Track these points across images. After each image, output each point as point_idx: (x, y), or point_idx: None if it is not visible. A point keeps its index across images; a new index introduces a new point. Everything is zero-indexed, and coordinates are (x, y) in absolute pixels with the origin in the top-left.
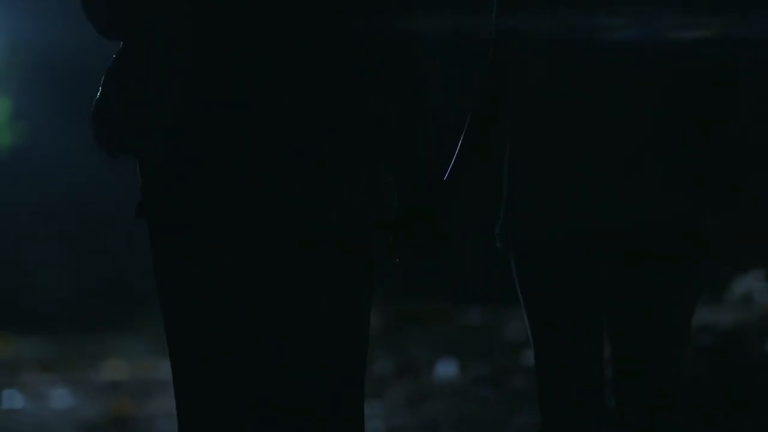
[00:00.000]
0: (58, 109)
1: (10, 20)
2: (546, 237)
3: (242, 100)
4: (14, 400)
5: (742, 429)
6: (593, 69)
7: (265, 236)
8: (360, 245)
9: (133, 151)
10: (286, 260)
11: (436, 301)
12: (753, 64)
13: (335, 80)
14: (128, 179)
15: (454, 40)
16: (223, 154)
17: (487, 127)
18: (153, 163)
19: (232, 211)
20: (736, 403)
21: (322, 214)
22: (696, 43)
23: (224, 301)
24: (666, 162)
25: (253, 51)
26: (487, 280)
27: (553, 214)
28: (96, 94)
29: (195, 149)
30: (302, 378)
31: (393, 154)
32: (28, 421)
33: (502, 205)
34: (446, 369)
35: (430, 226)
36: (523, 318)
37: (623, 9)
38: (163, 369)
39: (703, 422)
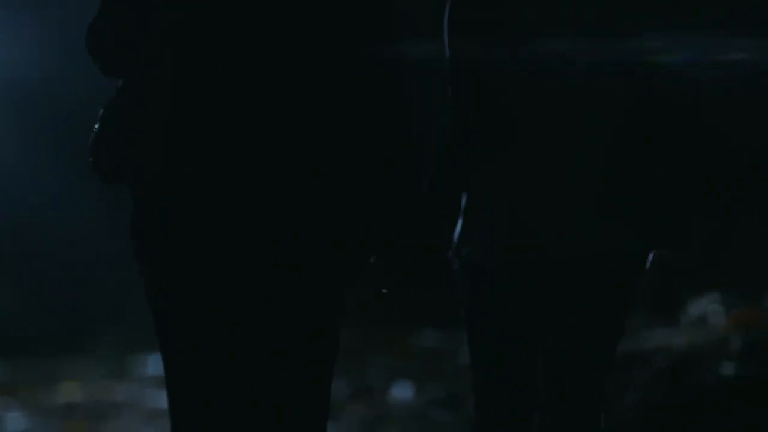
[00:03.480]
0: (18, 131)
1: None
2: (489, 261)
3: (236, 132)
4: None
5: None
6: (544, 97)
7: (255, 258)
8: (339, 268)
9: (130, 178)
10: (271, 277)
11: (391, 324)
12: (712, 94)
13: (324, 110)
14: (87, 203)
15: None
16: (217, 181)
17: (460, 175)
18: (151, 189)
19: (224, 234)
20: (690, 425)
21: (310, 238)
22: (650, 70)
23: (214, 313)
24: (614, 195)
25: (250, 89)
26: (442, 303)
27: (499, 240)
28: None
29: (191, 177)
30: (274, 384)
31: (383, 186)
32: None
33: (457, 229)
34: (402, 392)
35: (424, 254)
36: None
37: (578, 33)
38: (118, 391)
39: None
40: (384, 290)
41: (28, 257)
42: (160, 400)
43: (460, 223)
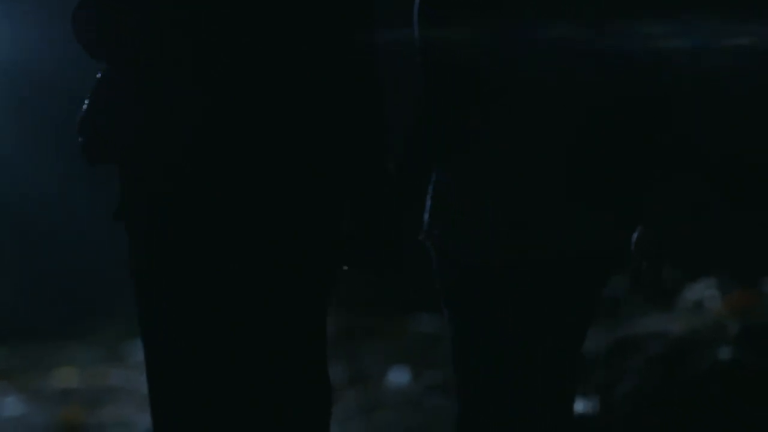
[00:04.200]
0: (13, 121)
1: None
2: (465, 257)
3: (223, 115)
4: None
5: None
6: (518, 85)
7: (241, 243)
8: (323, 258)
9: (117, 159)
10: (258, 267)
11: (388, 309)
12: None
13: (305, 99)
14: (85, 191)
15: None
16: (203, 162)
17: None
18: (138, 170)
19: (210, 216)
20: (687, 411)
21: (294, 225)
22: (624, 61)
23: (200, 303)
24: (583, 194)
25: (227, 77)
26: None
27: (470, 234)
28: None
29: (179, 157)
30: (271, 384)
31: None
32: None
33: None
34: (398, 377)
35: (387, 238)
36: None
37: (560, 19)
38: (114, 377)
39: (653, 430)
40: (346, 268)
41: (24, 244)
42: None
43: (428, 206)
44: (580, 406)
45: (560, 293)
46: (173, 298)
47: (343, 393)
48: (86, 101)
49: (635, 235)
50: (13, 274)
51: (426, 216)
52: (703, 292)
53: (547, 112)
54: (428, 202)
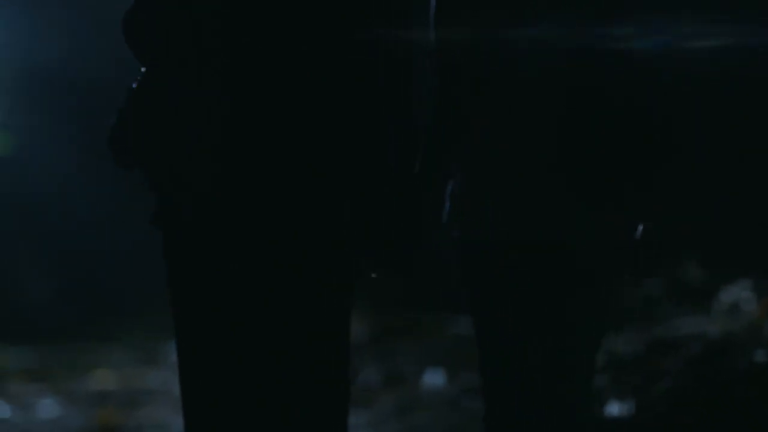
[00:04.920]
0: (44, 120)
1: None
2: (488, 244)
3: (254, 120)
4: (1, 409)
5: None
6: (521, 82)
7: (268, 245)
8: (347, 259)
9: (151, 165)
10: (285, 267)
11: (424, 310)
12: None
13: (336, 96)
14: (115, 190)
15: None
16: (234, 169)
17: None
18: (172, 177)
19: (241, 221)
20: (723, 413)
21: (320, 226)
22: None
23: (230, 304)
24: (585, 181)
25: (263, 84)
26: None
27: (496, 226)
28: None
29: (212, 165)
30: (282, 385)
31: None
32: (13, 431)
33: (448, 206)
34: (434, 379)
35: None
36: None
37: (559, 19)
38: (149, 379)
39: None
40: (374, 275)
41: (59, 245)
42: None
43: (448, 205)
44: (615, 407)
45: (567, 282)
46: (207, 301)
47: (378, 394)
48: (122, 108)
49: (638, 230)
50: (47, 276)
51: (445, 217)
52: (739, 294)
53: (551, 109)
54: (447, 204)
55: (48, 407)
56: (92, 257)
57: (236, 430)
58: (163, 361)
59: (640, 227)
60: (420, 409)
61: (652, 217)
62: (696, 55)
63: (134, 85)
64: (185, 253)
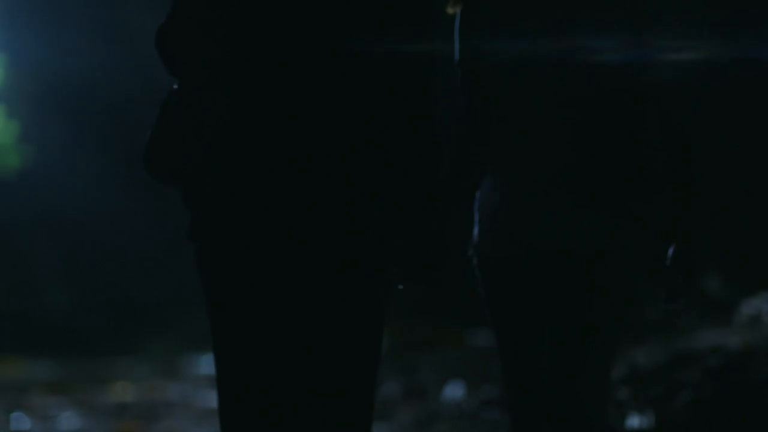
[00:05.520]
0: (65, 132)
1: (18, 43)
2: (502, 254)
3: (288, 136)
4: (22, 422)
5: None
6: (544, 100)
7: (304, 258)
8: (378, 274)
9: (187, 179)
10: (320, 280)
11: (444, 323)
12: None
13: (364, 110)
14: (139, 206)
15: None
16: (270, 183)
17: (474, 166)
18: (208, 191)
19: (278, 235)
20: (743, 425)
21: (351, 243)
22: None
23: (266, 316)
24: (597, 190)
25: (296, 97)
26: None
27: (508, 236)
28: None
29: (248, 179)
30: (317, 387)
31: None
32: None
33: (474, 227)
34: (454, 391)
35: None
36: None
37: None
38: (170, 391)
39: None
40: (401, 286)
41: (80, 258)
42: (213, 399)
43: (476, 221)
44: (636, 420)
45: (589, 292)
46: (244, 315)
47: (398, 407)
48: (156, 122)
49: (670, 250)
50: (68, 289)
51: (475, 230)
52: (760, 306)
53: (575, 121)
54: (476, 216)
55: (69, 420)
56: (113, 271)
57: None
58: (183, 373)
59: (671, 250)
60: (440, 422)
61: (686, 235)
62: (708, 69)
63: (167, 99)
64: (223, 267)
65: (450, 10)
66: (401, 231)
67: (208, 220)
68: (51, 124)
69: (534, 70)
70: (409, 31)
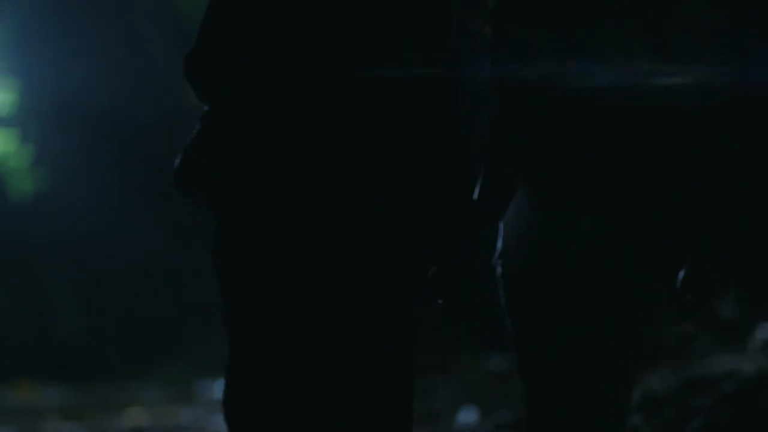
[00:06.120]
0: (79, 155)
1: (32, 68)
2: (525, 268)
3: (317, 160)
4: None
5: None
6: (571, 115)
7: (332, 280)
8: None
9: (216, 201)
10: (348, 299)
11: (459, 347)
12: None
13: (394, 129)
14: (153, 231)
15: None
16: (301, 203)
17: (504, 183)
18: (239, 210)
19: (309, 256)
20: None
21: (382, 263)
22: (663, 91)
23: (296, 337)
24: (625, 211)
25: (324, 113)
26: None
27: (533, 248)
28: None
29: (279, 199)
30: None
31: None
32: None
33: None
34: (468, 416)
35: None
36: None
37: (608, 56)
38: (182, 416)
39: None
40: (440, 301)
41: (93, 283)
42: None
43: (501, 234)
44: None
45: (611, 310)
46: (272, 335)
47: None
48: (188, 146)
49: (682, 272)
50: (81, 313)
51: (500, 242)
52: None
53: (599, 137)
54: (500, 228)
55: None
56: (126, 295)
57: None
58: (195, 398)
59: (682, 271)
60: None
61: (698, 257)
62: (724, 88)
63: (198, 125)
64: (249, 287)
65: (481, 30)
66: (407, 231)
67: (238, 238)
68: (64, 147)
69: (561, 89)
70: (423, 39)
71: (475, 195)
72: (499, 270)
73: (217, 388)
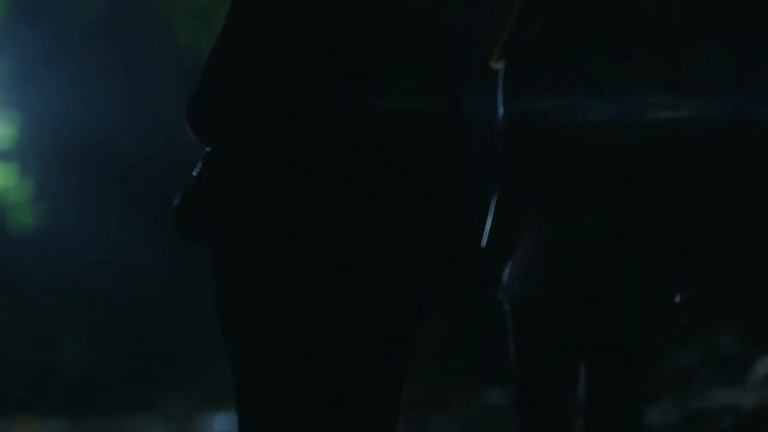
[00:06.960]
0: (79, 189)
1: (32, 102)
2: (534, 296)
3: (317, 188)
4: None
5: None
6: (582, 149)
7: (332, 280)
8: (414, 305)
9: (220, 240)
10: (348, 315)
11: (459, 381)
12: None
13: (405, 164)
14: (153, 264)
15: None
16: (303, 240)
17: (515, 209)
18: (236, 246)
19: (315, 296)
20: None
21: (386, 282)
22: (668, 124)
23: (289, 351)
24: (636, 239)
25: (327, 150)
26: (508, 361)
27: (540, 277)
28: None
29: (281, 238)
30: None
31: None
32: None
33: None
34: None
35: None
36: None
37: (613, 91)
38: None
39: None
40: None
41: (94, 316)
42: None
43: (508, 264)
44: None
45: (616, 329)
46: (270, 341)
47: None
48: (188, 186)
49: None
50: (82, 346)
51: (506, 271)
52: None
53: (609, 169)
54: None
55: None
56: (127, 329)
57: None
58: (199, 431)
59: (678, 296)
60: None
61: (695, 282)
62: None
63: (198, 166)
64: (249, 287)
65: (494, 65)
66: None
67: (240, 278)
68: (65, 181)
69: (574, 123)
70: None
71: (484, 236)
72: (507, 301)
73: (218, 422)
